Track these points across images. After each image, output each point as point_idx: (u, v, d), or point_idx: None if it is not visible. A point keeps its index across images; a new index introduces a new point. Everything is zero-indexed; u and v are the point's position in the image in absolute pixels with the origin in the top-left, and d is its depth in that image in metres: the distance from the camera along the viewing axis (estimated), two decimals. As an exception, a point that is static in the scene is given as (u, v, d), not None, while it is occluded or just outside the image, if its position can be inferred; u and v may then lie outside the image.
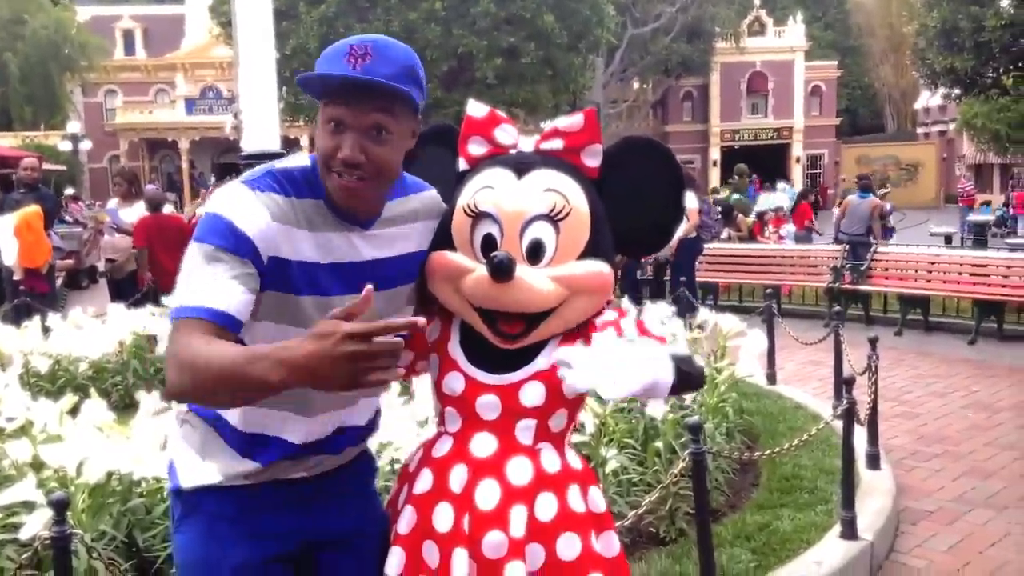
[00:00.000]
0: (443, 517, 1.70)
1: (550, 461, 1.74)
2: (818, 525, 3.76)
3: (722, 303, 10.22)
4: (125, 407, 4.74)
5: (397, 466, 3.08)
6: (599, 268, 1.72)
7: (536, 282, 1.66)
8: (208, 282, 1.48)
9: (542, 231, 1.69)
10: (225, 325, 1.46)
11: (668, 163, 1.86)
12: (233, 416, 1.66)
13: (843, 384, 3.92)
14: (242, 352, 1.36)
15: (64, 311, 6.96)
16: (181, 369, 1.40)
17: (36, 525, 2.40)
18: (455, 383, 1.75)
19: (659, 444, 3.83)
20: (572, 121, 1.78)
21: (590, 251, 1.72)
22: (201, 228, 1.54)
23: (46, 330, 5.87)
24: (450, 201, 1.80)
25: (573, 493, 1.74)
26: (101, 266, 13.71)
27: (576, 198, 1.72)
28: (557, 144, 1.78)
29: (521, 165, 1.75)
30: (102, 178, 37.82)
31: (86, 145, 32.92)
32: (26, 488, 2.68)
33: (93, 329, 5.99)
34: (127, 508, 3.04)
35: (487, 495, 1.68)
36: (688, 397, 3.90)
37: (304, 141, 35.79)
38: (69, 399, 3.42)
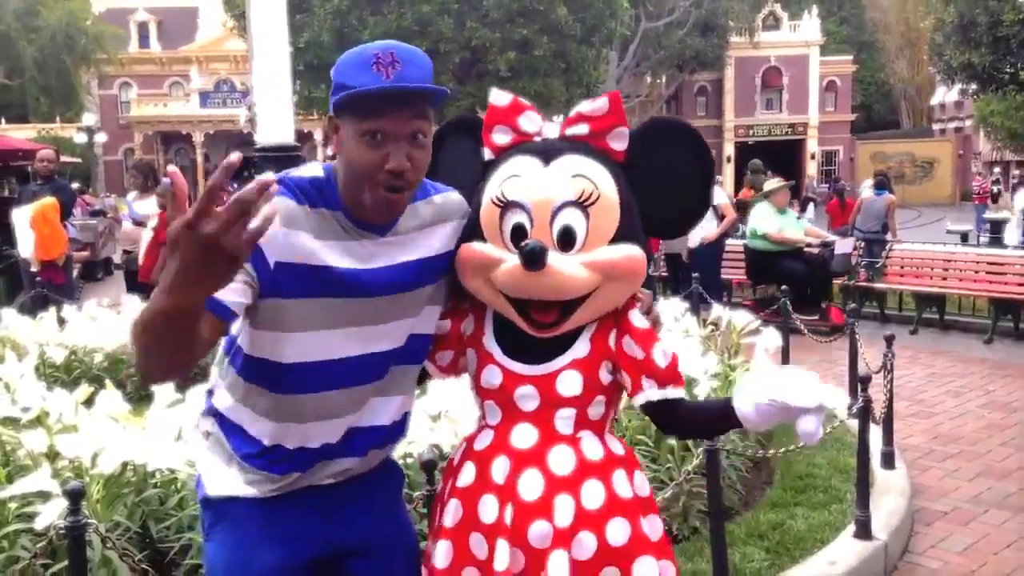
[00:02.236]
0: (488, 509, 1.71)
1: (592, 449, 1.74)
2: (832, 524, 3.74)
3: (736, 300, 10.17)
4: (140, 398, 4.75)
5: (411, 460, 3.08)
6: (631, 252, 1.71)
7: (569, 269, 1.65)
8: None
9: (572, 217, 1.68)
10: (216, 312, 1.43)
11: (697, 146, 1.84)
12: (259, 432, 1.66)
13: (858, 382, 3.89)
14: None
15: (80, 302, 7.00)
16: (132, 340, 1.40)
17: (51, 515, 2.41)
18: (493, 376, 1.76)
19: (673, 441, 3.82)
20: (597, 105, 1.77)
21: (621, 235, 1.71)
22: None
23: (62, 321, 5.90)
24: (476, 192, 1.78)
25: (619, 478, 1.74)
26: (117, 258, 13.79)
27: (604, 183, 1.71)
28: (582, 129, 1.77)
29: (547, 152, 1.73)
30: (117, 171, 38.06)
31: (101, 138, 33.15)
32: (41, 478, 2.69)
33: (108, 320, 6.01)
34: (141, 499, 3.05)
35: (530, 485, 1.69)
36: (701, 393, 3.88)
37: (318, 136, 35.88)
38: (84, 390, 3.43)
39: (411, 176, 1.55)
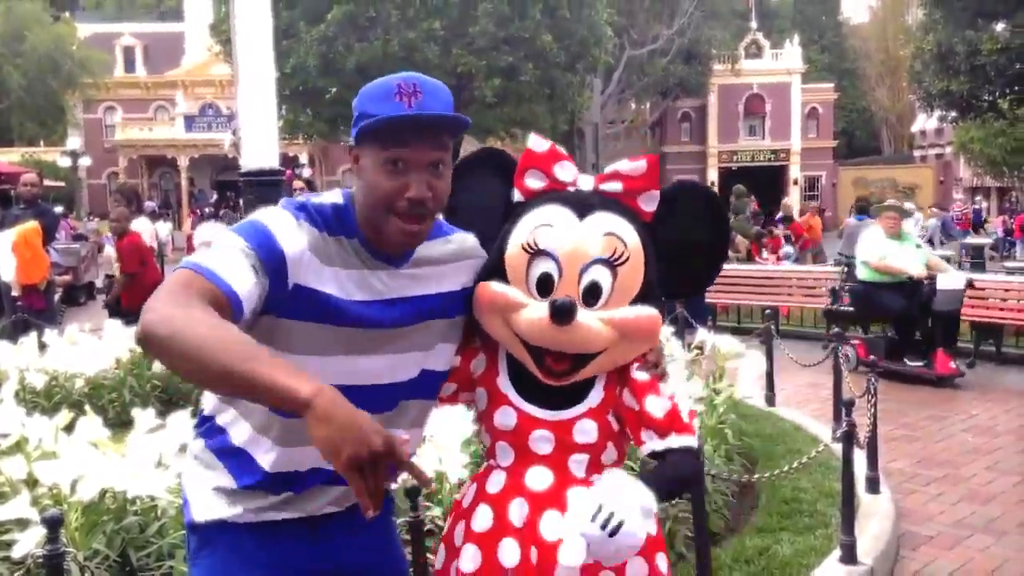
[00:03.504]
0: (509, 552, 1.72)
1: None
2: (817, 549, 3.73)
3: (720, 324, 10.20)
4: (121, 424, 4.71)
5: (395, 486, 3.06)
6: (649, 313, 1.74)
7: (591, 323, 1.68)
8: (229, 261, 1.44)
9: (600, 274, 1.70)
10: (232, 304, 1.41)
11: (715, 209, 1.88)
12: (255, 451, 1.63)
13: (842, 406, 3.90)
14: (260, 348, 1.31)
15: (61, 327, 6.94)
16: (170, 318, 1.31)
17: (29, 543, 2.37)
18: (507, 418, 1.77)
19: (658, 466, 3.80)
20: (634, 166, 1.79)
21: (642, 296, 1.74)
22: (239, 227, 1.52)
23: (43, 346, 5.84)
24: (504, 231, 1.79)
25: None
26: (99, 282, 13.69)
27: (633, 243, 1.74)
28: (616, 186, 1.79)
29: (582, 205, 1.75)
30: (101, 194, 37.88)
31: (85, 161, 33.01)
32: (20, 505, 2.66)
33: (90, 345, 5.96)
34: (121, 526, 3.01)
35: (552, 526, 1.69)
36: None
37: (303, 158, 35.90)
38: (64, 416, 3.40)
39: (431, 205, 1.56)
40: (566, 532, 1.59)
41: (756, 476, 3.82)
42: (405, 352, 1.68)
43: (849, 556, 3.62)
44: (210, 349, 1.28)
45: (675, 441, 1.74)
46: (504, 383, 1.80)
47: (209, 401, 1.71)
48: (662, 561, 1.78)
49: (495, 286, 1.74)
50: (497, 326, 1.75)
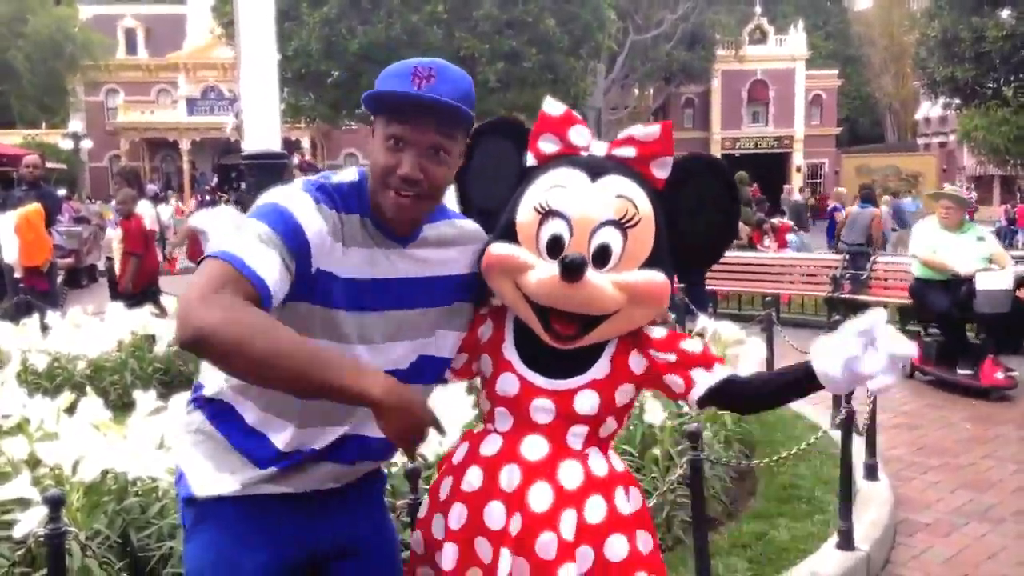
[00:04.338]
0: (494, 515, 1.74)
1: (598, 465, 1.78)
2: (815, 535, 3.75)
3: (721, 311, 10.21)
4: (122, 406, 4.73)
5: (395, 468, 3.08)
6: (659, 279, 1.75)
7: (601, 283, 1.69)
8: (257, 249, 1.45)
9: (611, 236, 1.71)
10: (261, 295, 1.42)
11: (729, 184, 1.89)
12: (256, 425, 1.65)
13: (842, 394, 3.91)
14: (324, 350, 1.45)
15: (63, 309, 6.96)
16: (234, 322, 1.34)
17: (31, 523, 2.39)
18: (509, 385, 1.78)
19: (657, 451, 3.82)
20: (649, 131, 1.79)
21: (651, 261, 1.75)
22: (261, 211, 1.52)
23: (45, 328, 5.86)
24: (516, 194, 1.81)
25: (619, 495, 1.78)
26: (101, 264, 13.70)
27: (645, 207, 1.74)
28: (630, 152, 1.79)
29: (595, 168, 1.76)
30: (103, 177, 37.85)
31: (87, 144, 32.95)
32: (21, 485, 2.67)
33: (92, 328, 5.98)
34: (122, 507, 3.03)
35: (540, 497, 1.71)
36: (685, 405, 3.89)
37: (305, 143, 35.84)
38: (66, 397, 3.42)
39: (425, 187, 1.58)
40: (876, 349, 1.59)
41: (755, 462, 3.83)
42: (404, 336, 1.69)
43: (846, 542, 3.64)
44: (282, 357, 1.36)
45: (722, 371, 1.77)
46: (509, 349, 1.80)
47: (215, 381, 1.68)
48: (644, 540, 1.79)
49: (505, 247, 1.75)
50: (506, 287, 1.75)
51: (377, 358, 1.65)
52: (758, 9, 40.10)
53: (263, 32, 4.61)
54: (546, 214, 1.72)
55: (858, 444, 4.35)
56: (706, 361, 1.78)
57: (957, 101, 21.15)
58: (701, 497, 2.99)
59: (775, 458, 3.62)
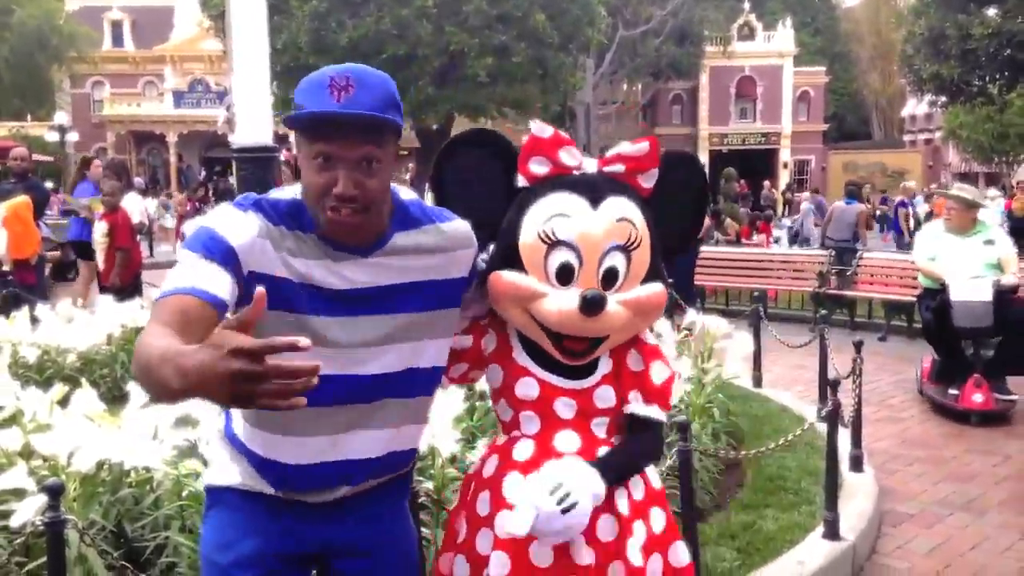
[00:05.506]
0: None
1: None
2: (801, 525, 3.81)
3: (709, 306, 10.27)
4: (112, 399, 4.73)
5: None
6: (658, 289, 1.84)
7: (616, 311, 1.77)
8: (192, 273, 1.47)
9: (617, 260, 1.79)
10: (211, 302, 1.44)
11: (698, 173, 1.98)
12: (253, 443, 1.70)
13: (828, 386, 3.96)
14: (163, 349, 1.26)
15: (50, 302, 6.93)
16: (137, 354, 1.33)
17: (28, 512, 2.40)
18: (530, 388, 1.84)
19: (646, 443, 3.86)
20: (637, 148, 1.85)
21: (650, 274, 1.84)
22: (189, 239, 1.55)
23: (34, 321, 5.85)
24: (512, 219, 1.82)
25: (651, 472, 1.92)
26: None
27: (642, 226, 1.82)
28: (619, 168, 1.86)
29: (592, 192, 1.80)
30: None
31: (73, 136, 32.66)
32: (17, 475, 2.69)
33: (82, 321, 5.97)
34: (116, 498, 3.05)
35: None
36: (675, 397, 3.93)
37: (292, 137, 35.65)
38: (59, 389, 3.42)
39: (363, 201, 1.54)
40: (519, 501, 1.65)
41: (743, 454, 3.88)
42: (392, 341, 1.67)
43: (832, 532, 3.69)
44: (149, 370, 1.26)
45: (655, 413, 1.85)
46: (521, 357, 1.86)
47: None
48: (681, 553, 1.90)
49: (514, 276, 1.78)
50: (516, 314, 1.81)
51: (370, 364, 1.65)
52: (746, 6, 40.16)
53: (255, 24, 4.59)
54: (553, 244, 1.77)
55: (844, 436, 4.41)
56: (653, 394, 1.85)
57: (943, 98, 21.31)
58: (690, 488, 3.04)
59: (762, 449, 3.67)
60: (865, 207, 11.51)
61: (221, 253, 1.50)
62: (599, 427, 1.85)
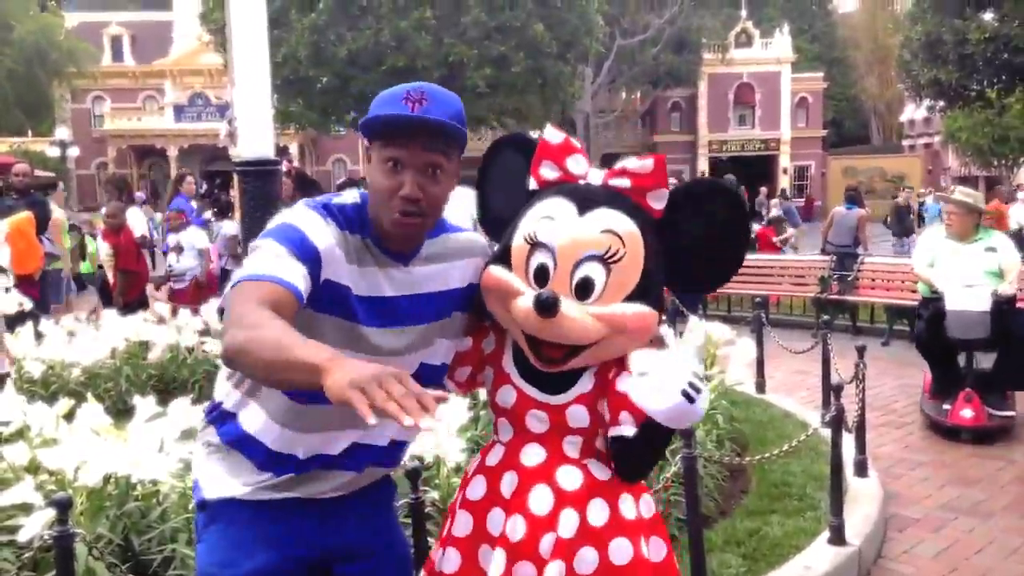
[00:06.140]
0: (495, 522, 1.81)
1: (600, 471, 1.82)
2: (807, 531, 3.81)
3: (711, 312, 10.28)
4: (117, 413, 4.74)
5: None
6: (643, 311, 1.75)
7: (578, 318, 1.71)
8: (275, 262, 1.53)
9: (593, 270, 1.74)
10: (292, 291, 1.49)
11: (736, 206, 1.86)
12: (267, 437, 1.71)
13: (831, 391, 3.97)
14: (301, 337, 1.36)
15: (53, 317, 6.94)
16: (243, 327, 1.39)
17: (36, 526, 2.41)
18: (507, 396, 1.84)
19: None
20: (641, 164, 1.82)
21: (637, 294, 1.76)
22: (273, 231, 1.60)
23: (39, 336, 5.87)
24: (516, 218, 1.86)
25: (625, 501, 1.81)
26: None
27: (632, 242, 1.76)
28: (624, 183, 1.82)
29: (585, 201, 1.78)
30: (90, 185, 37.66)
31: (74, 151, 32.78)
32: (25, 490, 2.70)
33: (86, 335, 5.99)
34: (123, 511, 3.05)
35: (540, 500, 1.77)
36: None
37: (293, 149, 35.76)
38: (65, 403, 3.44)
39: (424, 206, 1.63)
40: (664, 380, 1.66)
41: (747, 460, 3.88)
42: (409, 349, 1.75)
43: (837, 537, 3.70)
44: (265, 351, 1.34)
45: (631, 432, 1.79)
46: (508, 362, 1.86)
47: (223, 389, 1.78)
48: (656, 546, 1.83)
49: (498, 271, 1.80)
50: (500, 311, 1.81)
51: (394, 365, 1.68)
52: (743, 13, 40.27)
53: (256, 38, 4.62)
54: (534, 244, 1.77)
55: (848, 441, 4.41)
56: (639, 415, 1.76)
57: (941, 103, 21.29)
58: (695, 495, 3.04)
59: (767, 455, 3.68)
60: (866, 212, 11.47)
61: (307, 255, 1.56)
62: (571, 445, 1.81)
